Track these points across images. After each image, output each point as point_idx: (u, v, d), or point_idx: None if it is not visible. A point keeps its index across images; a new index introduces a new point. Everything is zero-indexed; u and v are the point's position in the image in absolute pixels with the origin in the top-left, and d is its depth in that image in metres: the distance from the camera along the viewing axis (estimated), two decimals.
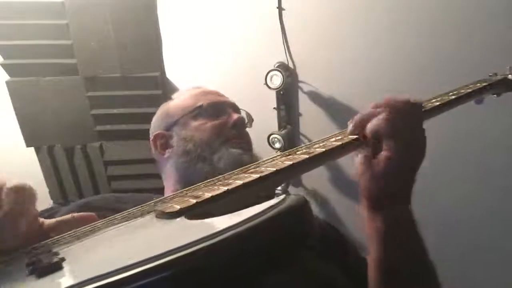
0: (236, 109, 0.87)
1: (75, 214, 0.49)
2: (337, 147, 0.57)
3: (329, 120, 1.52)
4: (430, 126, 0.62)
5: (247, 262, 0.34)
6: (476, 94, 0.73)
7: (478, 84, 0.75)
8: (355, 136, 0.58)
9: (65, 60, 1.58)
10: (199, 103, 0.83)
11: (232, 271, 0.33)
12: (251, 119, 0.90)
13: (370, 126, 0.57)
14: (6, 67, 1.57)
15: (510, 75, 0.76)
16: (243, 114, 0.87)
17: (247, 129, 0.88)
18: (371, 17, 1.41)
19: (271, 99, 1.55)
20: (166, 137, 0.84)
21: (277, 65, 1.51)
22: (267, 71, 1.47)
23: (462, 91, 0.72)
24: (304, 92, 1.55)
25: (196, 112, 0.82)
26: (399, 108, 0.57)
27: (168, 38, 1.61)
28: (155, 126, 0.90)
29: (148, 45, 1.59)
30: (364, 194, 0.59)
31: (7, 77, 1.59)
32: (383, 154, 0.56)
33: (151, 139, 0.87)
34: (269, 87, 1.47)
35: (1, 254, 0.41)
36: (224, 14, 1.57)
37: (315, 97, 1.54)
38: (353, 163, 0.61)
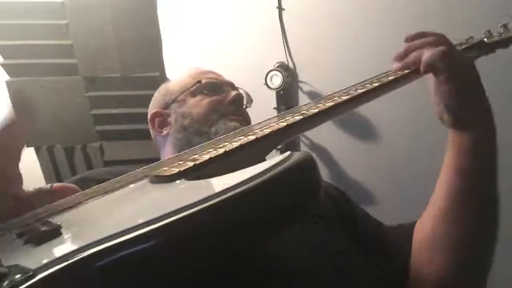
0: (234, 88, 0.87)
1: (54, 184, 0.46)
2: (390, 81, 0.62)
3: (329, 120, 1.52)
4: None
5: (255, 222, 0.32)
6: None
7: (457, 47, 0.74)
8: (406, 71, 0.63)
9: (65, 60, 1.58)
10: (198, 80, 0.83)
11: (237, 232, 0.31)
12: (250, 99, 0.90)
13: (426, 59, 0.61)
14: (6, 67, 1.57)
15: (485, 39, 0.76)
16: (242, 92, 0.87)
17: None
18: (371, 17, 1.41)
19: (271, 99, 1.55)
20: (164, 115, 0.84)
21: (277, 65, 1.51)
22: (267, 71, 1.47)
23: None
24: (304, 92, 1.55)
25: (195, 88, 0.82)
26: (449, 42, 0.64)
27: (168, 38, 1.61)
28: (153, 104, 0.90)
29: (148, 45, 1.58)
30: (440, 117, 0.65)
31: (7, 77, 1.59)
32: (441, 87, 0.62)
33: (149, 118, 0.87)
34: (269, 87, 1.47)
35: None
36: (224, 14, 1.56)
37: (315, 97, 1.54)
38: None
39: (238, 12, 1.55)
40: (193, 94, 0.82)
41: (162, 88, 0.91)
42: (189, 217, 0.29)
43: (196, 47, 1.62)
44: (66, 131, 1.67)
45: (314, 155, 1.61)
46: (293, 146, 1.54)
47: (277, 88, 1.46)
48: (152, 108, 0.89)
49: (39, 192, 0.45)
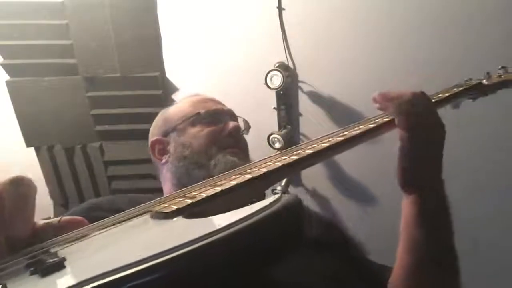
0: (233, 117, 0.89)
1: (63, 218, 0.48)
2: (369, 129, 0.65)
3: (329, 120, 1.52)
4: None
5: (243, 261, 0.34)
6: (453, 99, 0.74)
7: (455, 89, 0.75)
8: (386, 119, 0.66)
9: (65, 60, 1.59)
10: (197, 111, 0.84)
11: (228, 270, 0.33)
12: (248, 126, 0.92)
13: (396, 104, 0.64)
14: (6, 67, 1.57)
15: (484, 80, 0.77)
16: (240, 121, 0.89)
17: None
18: (371, 17, 1.41)
19: (271, 99, 1.55)
20: (163, 143, 0.86)
21: (277, 65, 1.51)
22: (267, 71, 1.46)
23: (440, 95, 0.73)
24: (304, 92, 1.55)
25: (194, 119, 0.83)
26: (406, 99, 0.63)
27: (168, 38, 1.61)
28: (153, 131, 0.91)
29: (148, 45, 1.59)
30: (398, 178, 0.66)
31: (7, 77, 1.59)
32: (399, 144, 0.62)
33: (149, 145, 0.89)
34: (269, 87, 1.47)
35: (6, 251, 0.41)
36: (224, 14, 1.56)
37: (315, 97, 1.54)
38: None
39: (238, 12, 1.55)
40: (193, 124, 0.83)
41: (162, 115, 0.93)
42: (172, 260, 0.31)
43: (196, 47, 1.62)
44: (66, 131, 1.67)
45: None
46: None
47: (277, 88, 1.46)
48: (152, 134, 0.91)
49: (48, 225, 0.47)
